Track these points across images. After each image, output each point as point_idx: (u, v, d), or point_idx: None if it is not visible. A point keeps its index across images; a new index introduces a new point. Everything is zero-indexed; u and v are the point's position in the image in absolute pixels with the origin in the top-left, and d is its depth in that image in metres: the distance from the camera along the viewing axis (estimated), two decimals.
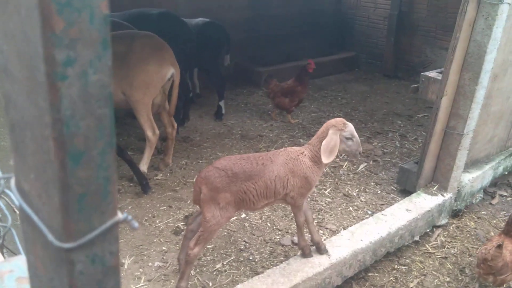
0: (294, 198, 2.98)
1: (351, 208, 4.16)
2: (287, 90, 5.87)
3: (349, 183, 4.60)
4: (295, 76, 5.95)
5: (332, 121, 3.01)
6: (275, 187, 2.89)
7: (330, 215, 4.03)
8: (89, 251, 0.31)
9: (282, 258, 3.43)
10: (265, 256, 3.47)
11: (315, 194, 4.34)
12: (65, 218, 0.30)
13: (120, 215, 0.32)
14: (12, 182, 0.33)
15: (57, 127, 0.29)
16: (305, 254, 3.21)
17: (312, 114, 6.45)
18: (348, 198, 4.33)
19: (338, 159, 5.06)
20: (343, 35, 9.09)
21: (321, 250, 3.25)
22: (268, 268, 3.21)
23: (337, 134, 2.92)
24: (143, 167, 4.40)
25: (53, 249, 0.31)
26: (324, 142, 2.90)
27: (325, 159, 2.88)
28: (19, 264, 0.47)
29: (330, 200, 4.28)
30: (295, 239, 3.56)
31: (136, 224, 0.35)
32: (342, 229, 3.76)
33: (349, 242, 3.43)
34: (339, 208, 4.15)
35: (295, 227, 3.60)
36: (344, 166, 4.92)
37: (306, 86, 5.96)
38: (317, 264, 3.19)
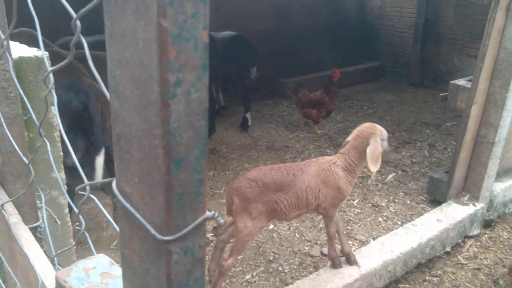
0: (326, 208, 2.99)
1: (380, 219, 4.14)
2: (315, 101, 5.90)
3: (377, 193, 4.58)
4: (323, 87, 5.97)
5: (367, 128, 2.96)
6: (307, 197, 2.89)
7: (359, 226, 4.02)
8: (183, 244, 0.36)
9: (311, 269, 3.44)
10: (294, 267, 3.49)
11: (344, 205, 4.33)
12: (167, 215, 0.35)
13: (208, 213, 0.37)
14: (113, 184, 0.38)
15: (166, 138, 0.34)
16: (335, 265, 3.21)
17: (338, 124, 6.45)
18: (377, 208, 4.31)
19: (366, 169, 5.05)
20: (368, 44, 9.09)
21: (351, 261, 3.25)
22: (298, 279, 3.21)
23: (378, 140, 2.89)
24: None
25: (154, 242, 0.36)
26: (369, 151, 2.84)
27: (374, 168, 2.82)
28: (101, 261, 0.52)
29: (359, 210, 4.27)
30: (324, 250, 3.57)
31: (222, 220, 0.39)
32: (372, 239, 3.74)
33: (379, 253, 3.41)
34: (368, 219, 4.13)
35: (324, 238, 3.60)
36: (372, 176, 4.90)
37: (334, 98, 5.96)
38: (347, 275, 3.18)
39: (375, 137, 2.89)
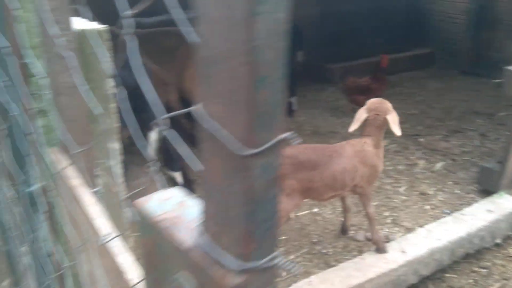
0: (364, 187, 3.09)
1: (427, 207, 4.06)
2: (363, 88, 5.81)
3: (425, 181, 4.48)
4: (371, 73, 5.87)
5: (380, 105, 3.14)
6: (344, 179, 2.99)
7: (405, 213, 3.96)
8: (261, 160, 0.38)
9: (355, 253, 3.42)
10: (338, 250, 3.48)
11: (390, 192, 4.28)
12: (248, 132, 0.38)
13: (285, 134, 0.39)
14: (197, 107, 0.41)
15: (250, 56, 0.37)
16: (379, 249, 3.20)
17: None
18: (424, 196, 4.22)
19: (413, 157, 4.95)
20: (418, 30, 8.81)
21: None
22: (342, 262, 3.22)
23: (392, 109, 3.16)
24: None
25: (235, 158, 0.38)
26: (391, 119, 3.06)
27: (399, 131, 3.07)
28: (176, 192, 0.55)
29: (405, 198, 4.20)
30: (369, 235, 3.54)
31: (298, 141, 0.42)
32: (418, 227, 3.68)
33: (425, 240, 3.36)
34: (415, 207, 4.06)
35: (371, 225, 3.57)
36: (420, 164, 4.80)
37: (383, 83, 5.84)
38: (392, 260, 3.15)
39: (389, 107, 3.12)
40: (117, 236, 0.99)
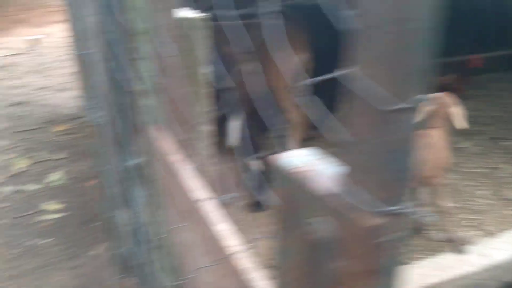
0: (433, 179, 3.14)
1: (511, 212, 3.86)
2: (445, 86, 5.57)
3: (509, 186, 4.25)
4: (453, 73, 5.63)
5: (445, 98, 3.23)
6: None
7: (487, 217, 3.80)
8: (403, 116, 0.44)
9: (429, 252, 3.34)
10: (414, 248, 3.42)
11: (470, 194, 4.12)
12: (396, 90, 0.44)
13: (423, 96, 0.45)
14: (351, 70, 0.47)
15: (405, 25, 0.42)
16: (456, 247, 3.16)
17: (469, 112, 6.02)
18: (507, 201, 4.02)
19: (497, 161, 4.71)
20: (510, 29, 8.25)
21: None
22: (415, 261, 3.16)
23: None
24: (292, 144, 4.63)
25: (382, 113, 0.44)
26: (457, 112, 3.17)
27: (465, 124, 3.18)
28: (306, 152, 0.61)
29: (487, 201, 4.02)
30: (446, 236, 3.45)
31: (425, 99, 0.46)
32: (500, 232, 3.51)
33: (508, 246, 3.21)
34: (497, 211, 3.88)
35: (447, 223, 3.48)
36: (503, 169, 4.56)
37: (466, 83, 5.58)
38: (471, 263, 3.06)
39: (453, 100, 3.24)
40: (220, 204, 1.08)
